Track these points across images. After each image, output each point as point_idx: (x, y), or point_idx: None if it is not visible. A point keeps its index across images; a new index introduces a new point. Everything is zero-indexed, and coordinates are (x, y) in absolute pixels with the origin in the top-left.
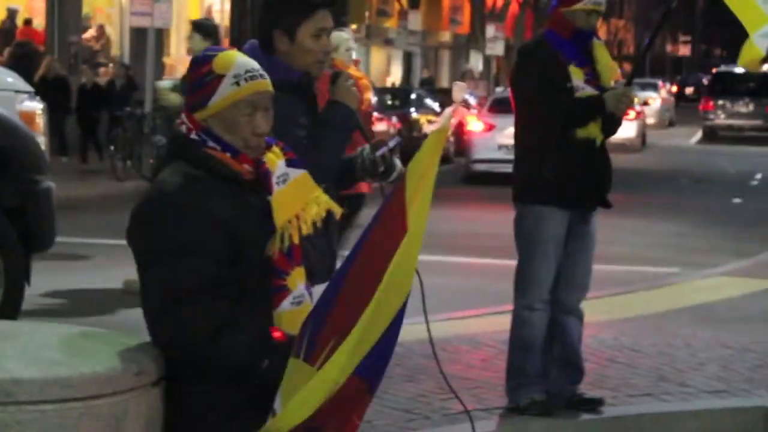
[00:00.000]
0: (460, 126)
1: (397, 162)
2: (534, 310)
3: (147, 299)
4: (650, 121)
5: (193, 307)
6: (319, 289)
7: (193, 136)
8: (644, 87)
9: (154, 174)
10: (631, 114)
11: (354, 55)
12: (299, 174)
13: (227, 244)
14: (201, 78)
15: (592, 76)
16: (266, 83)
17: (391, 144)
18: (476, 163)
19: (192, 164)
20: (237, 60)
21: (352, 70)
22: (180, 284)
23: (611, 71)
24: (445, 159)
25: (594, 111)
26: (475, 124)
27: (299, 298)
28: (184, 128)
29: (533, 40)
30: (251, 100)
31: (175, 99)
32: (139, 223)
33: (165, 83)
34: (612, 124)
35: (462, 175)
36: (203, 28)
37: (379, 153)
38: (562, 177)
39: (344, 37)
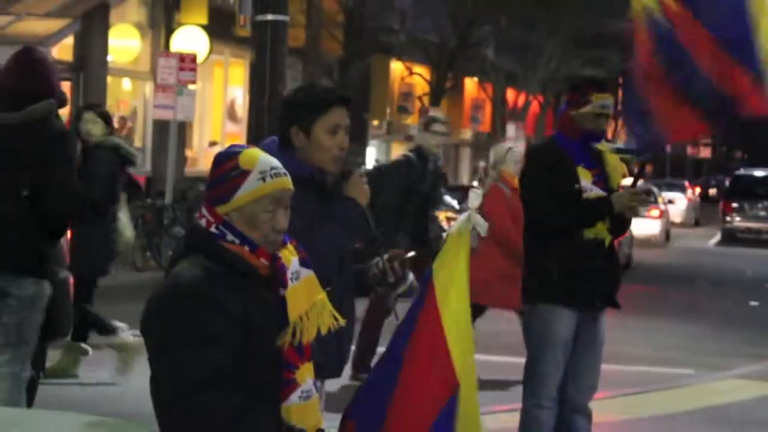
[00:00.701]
0: None
1: (410, 274)
2: (543, 408)
3: (160, 389)
4: (677, 219)
5: (207, 398)
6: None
7: (213, 229)
8: (671, 187)
9: (170, 265)
10: (654, 212)
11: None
12: (309, 273)
13: (241, 337)
14: (226, 173)
15: (601, 178)
16: (289, 181)
17: (407, 256)
18: None
19: (209, 257)
20: (261, 157)
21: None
22: (194, 374)
23: (620, 173)
24: None
25: (602, 212)
26: None
27: (307, 392)
28: (204, 221)
29: (542, 142)
30: (275, 196)
31: (98, 129)
32: (155, 312)
33: (89, 114)
34: (621, 224)
35: None
36: (99, 113)
37: (392, 263)
38: (570, 277)
39: (505, 148)
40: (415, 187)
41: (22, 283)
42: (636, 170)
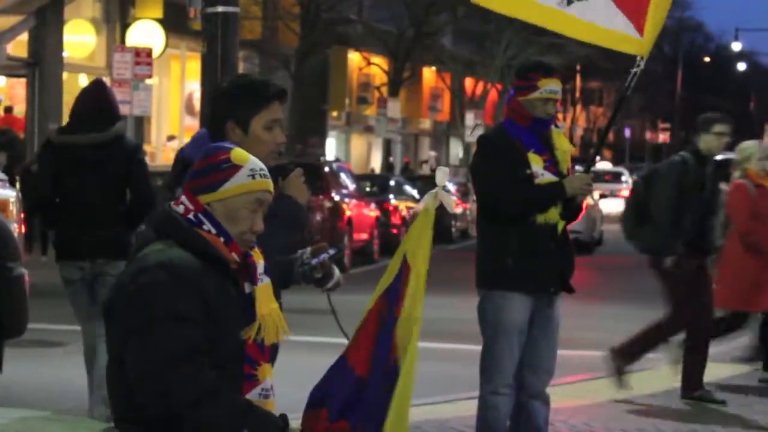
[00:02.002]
0: None
1: (336, 270)
2: (499, 395)
3: (129, 369)
4: None
5: (178, 374)
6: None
7: (190, 216)
8: (640, 170)
9: (135, 251)
10: (625, 192)
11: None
12: (268, 281)
13: (209, 320)
14: (217, 164)
15: (551, 163)
16: (272, 185)
17: (331, 252)
18: None
19: (181, 243)
20: (252, 157)
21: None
22: (167, 351)
23: (569, 157)
24: None
25: (554, 197)
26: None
27: (267, 391)
28: (181, 208)
29: (492, 129)
30: (260, 196)
31: None
32: (124, 294)
33: None
34: (572, 209)
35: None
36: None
37: (317, 260)
38: (523, 263)
39: (754, 145)
40: (691, 191)
41: (118, 266)
42: (590, 156)
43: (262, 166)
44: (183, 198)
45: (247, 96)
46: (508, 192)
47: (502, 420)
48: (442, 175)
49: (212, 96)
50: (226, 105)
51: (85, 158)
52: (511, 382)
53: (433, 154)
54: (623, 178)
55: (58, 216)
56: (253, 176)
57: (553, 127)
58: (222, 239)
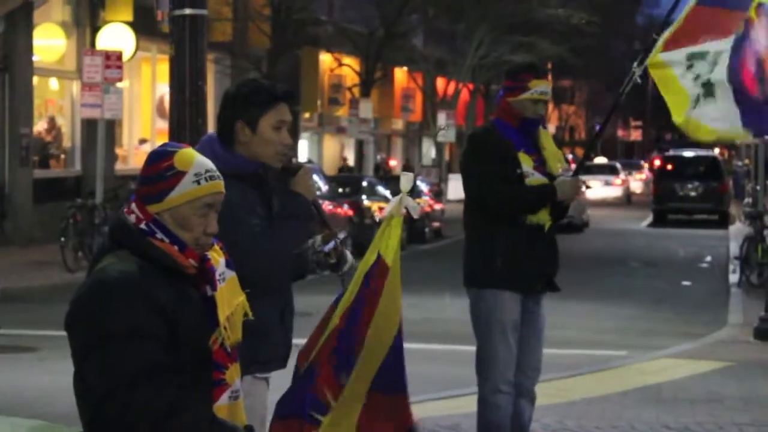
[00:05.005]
0: None
1: (348, 254)
2: (500, 393)
3: (89, 386)
4: (638, 191)
5: (140, 393)
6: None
7: (143, 226)
8: (631, 166)
9: (94, 260)
10: (618, 181)
11: None
12: (232, 274)
13: (168, 331)
14: (161, 172)
15: (540, 163)
16: (222, 184)
17: (341, 236)
18: None
19: (136, 254)
20: (197, 159)
21: None
22: (126, 369)
23: (558, 158)
24: None
25: (544, 199)
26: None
27: (236, 393)
28: (133, 217)
29: (482, 127)
30: (208, 200)
31: None
32: (81, 309)
33: None
34: (560, 210)
35: None
36: None
37: (329, 246)
38: (512, 263)
39: None
40: None
41: None
42: (579, 160)
43: (209, 167)
44: (133, 206)
45: (255, 96)
46: (498, 191)
47: (506, 417)
48: (406, 181)
49: (221, 100)
50: (234, 106)
51: None
52: (511, 379)
53: (382, 157)
54: (617, 170)
55: None
56: (198, 182)
57: (541, 128)
58: (176, 248)
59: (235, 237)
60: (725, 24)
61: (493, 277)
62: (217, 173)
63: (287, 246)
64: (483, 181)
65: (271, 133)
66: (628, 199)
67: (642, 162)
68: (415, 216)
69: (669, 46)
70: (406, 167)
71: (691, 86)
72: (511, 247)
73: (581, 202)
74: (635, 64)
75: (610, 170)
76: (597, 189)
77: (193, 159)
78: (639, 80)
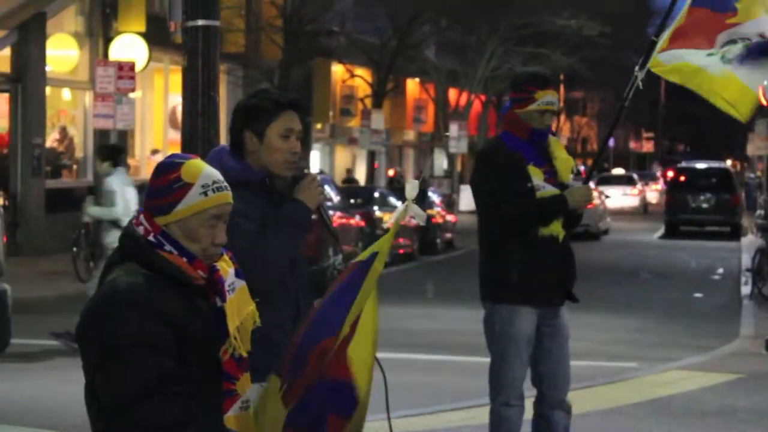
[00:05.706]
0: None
1: None
2: (512, 407)
3: (97, 398)
4: (653, 201)
5: (149, 407)
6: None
7: (151, 238)
8: (647, 177)
9: (104, 272)
10: (635, 191)
11: None
12: (242, 284)
13: (178, 343)
14: (168, 184)
15: (551, 174)
16: (230, 195)
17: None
18: None
19: (145, 266)
20: (204, 170)
21: None
22: (135, 382)
23: (569, 166)
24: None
25: (556, 210)
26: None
27: (247, 403)
28: (141, 229)
29: (490, 142)
30: (215, 212)
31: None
32: (92, 320)
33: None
34: (573, 219)
35: None
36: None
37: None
38: (527, 277)
39: None
40: None
41: None
42: (589, 168)
43: (217, 177)
44: (142, 218)
45: (262, 105)
46: (509, 206)
47: (516, 431)
48: (411, 188)
49: (234, 110)
50: (243, 115)
51: None
52: (522, 393)
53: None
54: (635, 181)
55: None
56: (205, 193)
57: (550, 137)
58: (185, 259)
59: (232, 243)
60: (712, 27)
61: (508, 292)
62: (225, 184)
63: (281, 251)
64: (494, 199)
65: (278, 142)
66: (645, 209)
67: (657, 173)
68: (422, 223)
69: (669, 46)
70: (418, 178)
71: (709, 60)
72: (526, 261)
73: (599, 210)
74: (636, 68)
75: (628, 181)
76: (615, 198)
77: (200, 170)
78: (641, 85)
